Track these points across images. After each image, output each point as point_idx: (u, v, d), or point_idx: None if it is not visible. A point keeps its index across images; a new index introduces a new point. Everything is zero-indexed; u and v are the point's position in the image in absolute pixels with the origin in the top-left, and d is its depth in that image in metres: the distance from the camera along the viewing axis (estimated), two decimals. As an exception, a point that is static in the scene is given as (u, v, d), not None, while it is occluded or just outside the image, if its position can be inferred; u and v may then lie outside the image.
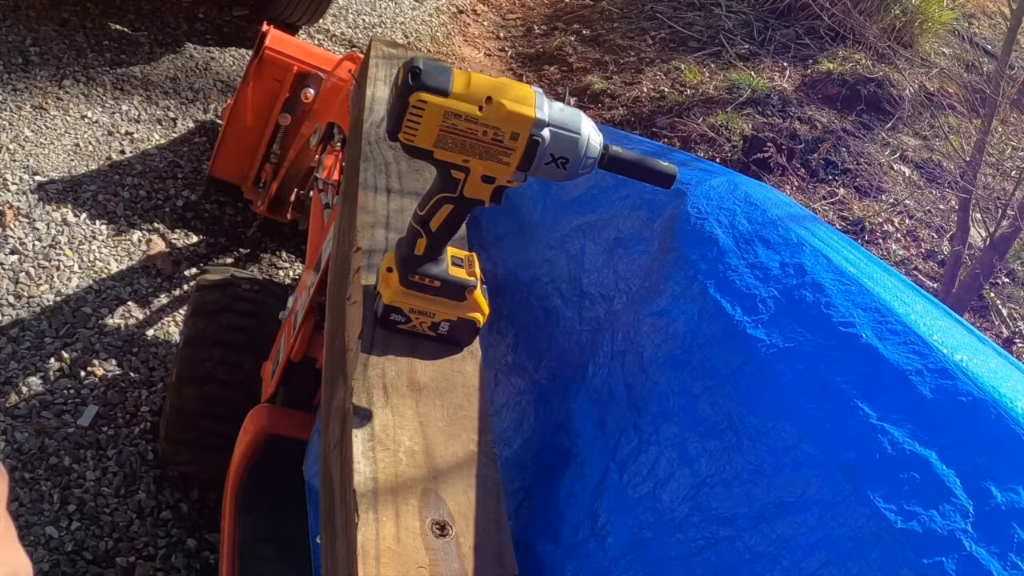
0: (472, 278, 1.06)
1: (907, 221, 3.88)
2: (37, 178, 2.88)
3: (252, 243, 3.03)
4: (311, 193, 2.62)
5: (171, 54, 3.56)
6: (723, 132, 4.07)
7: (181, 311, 2.70)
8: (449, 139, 0.93)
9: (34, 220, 2.76)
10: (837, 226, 3.69)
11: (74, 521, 2.15)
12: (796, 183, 3.86)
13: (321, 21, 3.98)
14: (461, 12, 4.81)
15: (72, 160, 2.99)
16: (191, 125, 3.34)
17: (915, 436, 0.88)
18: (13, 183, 2.83)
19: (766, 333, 1.02)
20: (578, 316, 1.25)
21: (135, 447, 2.34)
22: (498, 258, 1.44)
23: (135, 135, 3.18)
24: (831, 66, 4.67)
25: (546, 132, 0.93)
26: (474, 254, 1.10)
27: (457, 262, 1.06)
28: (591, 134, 0.95)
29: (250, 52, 3.25)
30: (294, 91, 2.74)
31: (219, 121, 3.34)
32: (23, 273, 2.61)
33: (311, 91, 2.67)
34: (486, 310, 1.06)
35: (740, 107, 4.26)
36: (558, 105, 0.94)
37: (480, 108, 0.91)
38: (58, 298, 2.59)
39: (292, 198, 2.86)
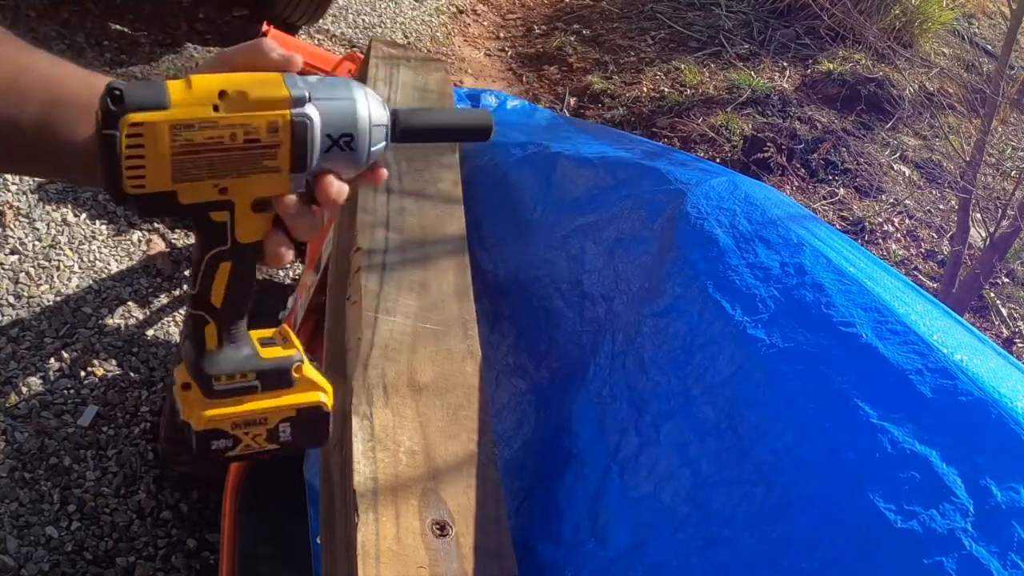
0: (293, 351, 0.82)
1: (907, 221, 3.88)
2: (37, 178, 2.88)
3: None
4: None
5: (171, 54, 3.56)
6: (723, 132, 4.07)
7: (181, 311, 2.70)
8: (190, 165, 0.70)
9: (34, 220, 2.76)
10: (837, 226, 3.69)
11: (74, 521, 2.15)
12: (796, 183, 3.86)
13: (321, 21, 3.98)
14: (461, 12, 4.81)
15: (72, 160, 2.99)
16: (191, 125, 3.33)
17: (915, 435, 0.88)
18: (13, 183, 2.83)
19: (766, 333, 1.02)
20: (579, 317, 1.25)
21: (135, 447, 2.34)
22: (499, 259, 1.44)
23: (135, 135, 3.18)
24: (831, 66, 4.67)
25: (311, 109, 0.72)
26: (285, 325, 0.86)
27: (266, 341, 0.82)
28: (369, 99, 0.76)
29: (250, 52, 3.24)
30: (294, 91, 2.74)
31: (219, 121, 3.33)
32: (23, 273, 2.61)
33: (311, 91, 2.67)
34: (327, 387, 0.83)
35: (740, 107, 4.26)
36: (314, 77, 0.75)
37: (215, 108, 0.70)
38: (58, 298, 2.59)
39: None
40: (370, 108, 0.75)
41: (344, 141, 0.74)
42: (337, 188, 0.74)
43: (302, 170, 0.73)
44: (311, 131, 0.72)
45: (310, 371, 0.82)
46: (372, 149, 0.76)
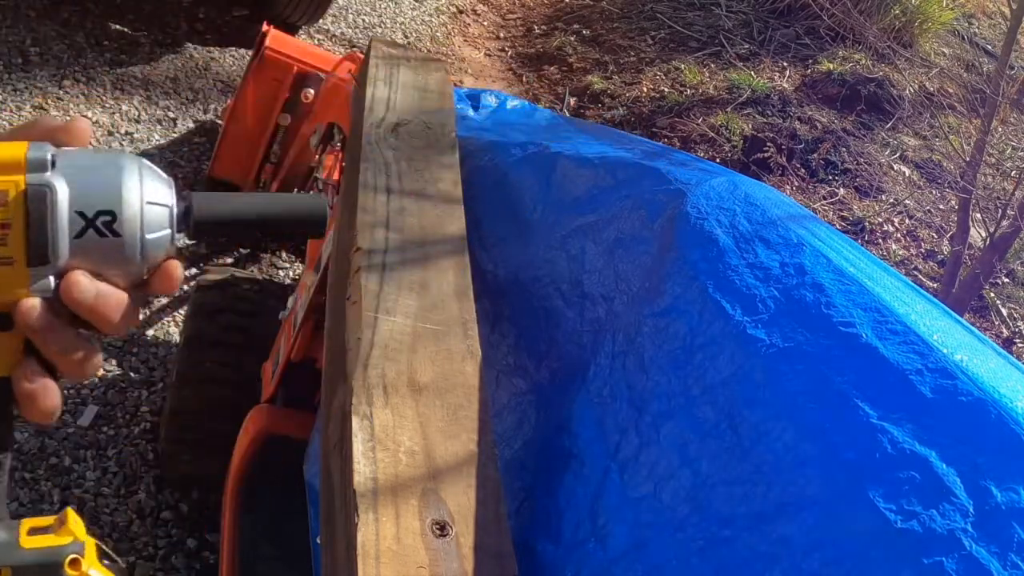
0: (68, 540, 0.61)
1: (907, 221, 3.88)
2: None
3: (252, 243, 3.03)
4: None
5: (171, 54, 3.56)
6: (723, 132, 4.07)
7: (181, 311, 2.70)
8: None
9: (34, 220, 2.75)
10: (837, 226, 3.69)
11: (74, 521, 2.15)
12: (796, 183, 3.86)
13: (321, 21, 3.98)
14: (461, 12, 4.81)
15: (72, 160, 2.99)
16: (191, 125, 3.34)
17: (915, 436, 0.88)
18: (13, 183, 2.83)
19: (766, 333, 1.02)
20: (579, 317, 1.25)
21: (135, 447, 2.34)
22: (499, 259, 1.44)
23: (135, 135, 3.18)
24: (831, 66, 4.67)
25: (55, 177, 0.53)
26: (69, 508, 0.67)
27: (37, 530, 0.62)
28: (145, 173, 0.56)
29: (250, 52, 3.25)
30: (294, 91, 2.74)
31: (219, 121, 3.34)
32: (23, 273, 2.61)
33: (311, 91, 2.67)
34: None
35: (740, 107, 4.26)
36: (81, 149, 0.57)
37: None
38: (58, 298, 2.59)
39: (292, 198, 2.85)
40: (144, 183, 0.56)
41: (103, 222, 0.54)
42: (86, 288, 0.53)
43: (43, 261, 0.53)
44: (53, 204, 0.53)
45: (94, 565, 0.62)
46: (148, 237, 0.56)
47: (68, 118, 0.57)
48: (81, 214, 0.54)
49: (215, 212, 0.60)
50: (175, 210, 0.58)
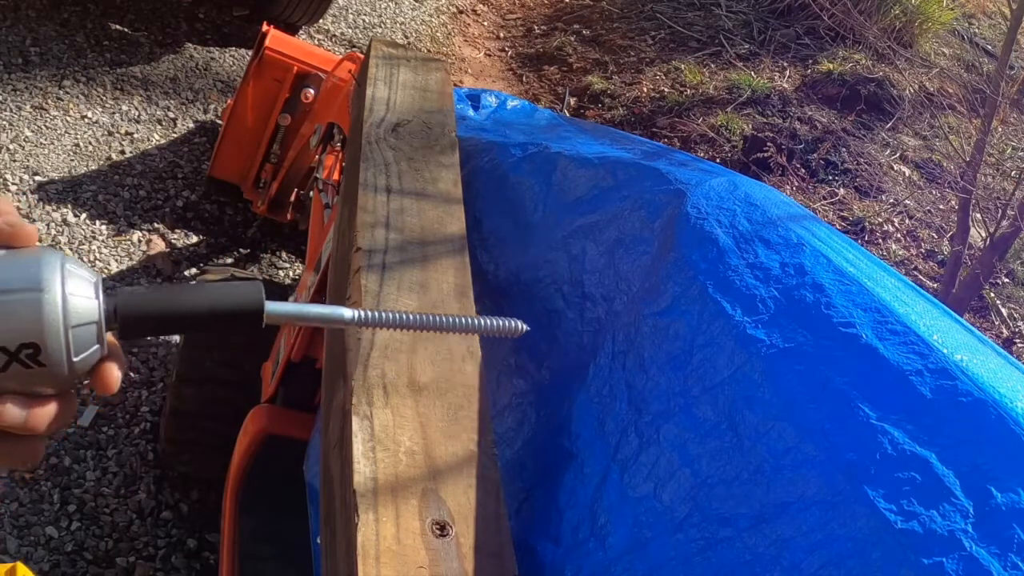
0: None
1: (907, 221, 3.88)
2: (37, 178, 2.88)
3: (252, 243, 3.03)
4: (311, 193, 2.62)
5: (171, 54, 3.56)
6: (723, 132, 4.07)
7: (181, 311, 2.69)
8: None
9: (34, 220, 2.76)
10: (837, 226, 3.69)
11: (74, 521, 2.15)
12: (796, 183, 3.85)
13: (321, 21, 3.98)
14: (461, 12, 4.81)
15: (72, 160, 2.99)
16: (191, 125, 3.34)
17: (915, 436, 0.88)
18: (13, 183, 2.83)
19: (766, 333, 1.02)
20: (579, 317, 1.25)
21: (135, 447, 2.34)
22: (500, 259, 1.44)
23: (135, 135, 3.18)
24: (831, 66, 4.67)
25: None
26: (19, 563, 0.67)
27: None
28: (67, 285, 0.53)
29: (250, 52, 3.25)
30: (294, 91, 2.74)
31: (219, 121, 3.34)
32: (23, 273, 2.61)
33: (311, 91, 2.67)
34: None
35: (740, 107, 4.26)
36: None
37: None
38: (58, 298, 2.59)
39: (292, 198, 2.86)
40: (66, 304, 0.52)
41: (27, 355, 0.51)
42: (16, 416, 0.53)
43: None
44: None
45: None
46: (75, 360, 0.53)
47: (14, 224, 0.53)
48: (3, 350, 0.51)
49: (142, 311, 0.56)
50: (103, 322, 0.54)
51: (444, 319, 0.62)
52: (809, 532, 0.87)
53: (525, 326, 0.62)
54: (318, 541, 1.22)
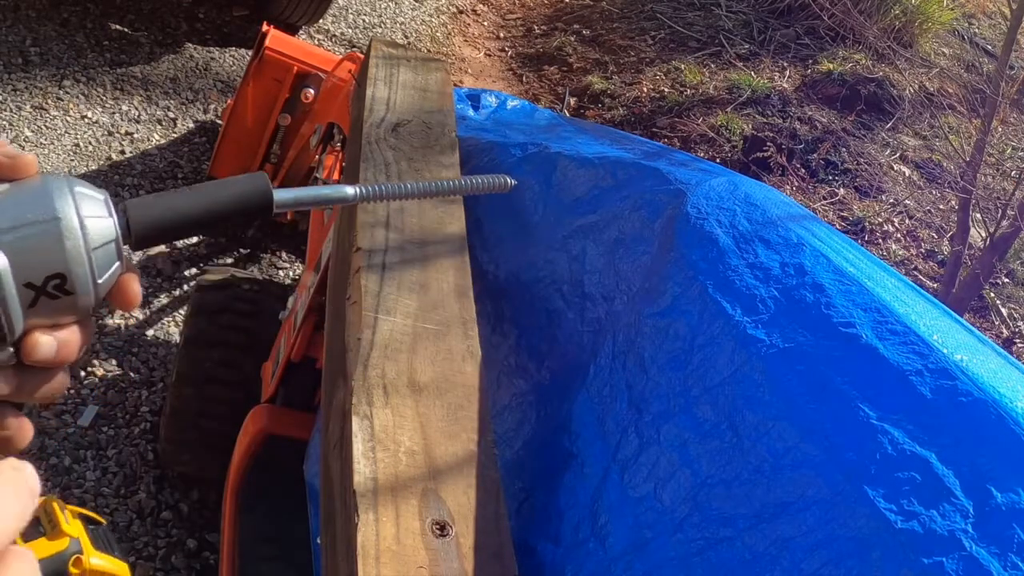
0: (65, 542, 0.61)
1: (907, 221, 3.88)
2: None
3: (252, 243, 3.03)
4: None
5: (171, 54, 3.56)
6: (723, 132, 4.07)
7: (181, 311, 2.70)
8: None
9: (34, 220, 2.75)
10: (837, 226, 3.68)
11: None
12: (796, 183, 3.85)
13: (321, 21, 3.98)
14: (461, 12, 4.81)
15: (72, 160, 2.99)
16: (191, 125, 3.34)
17: (915, 436, 0.88)
18: (13, 183, 2.83)
19: (766, 333, 1.02)
20: (579, 317, 1.25)
21: (135, 447, 2.34)
22: (500, 259, 1.44)
23: (135, 135, 3.18)
24: (831, 66, 4.67)
25: None
26: (51, 498, 0.65)
27: (28, 533, 0.56)
28: (80, 208, 0.53)
29: (250, 52, 3.25)
30: (294, 91, 2.74)
31: (219, 121, 3.34)
32: (23, 273, 2.61)
33: (311, 91, 2.67)
34: (123, 571, 0.60)
35: (740, 107, 4.26)
36: (2, 188, 0.53)
37: None
38: (58, 298, 2.59)
39: (292, 198, 2.85)
40: (84, 227, 0.52)
41: (54, 286, 0.51)
42: (47, 346, 0.53)
43: (1, 342, 0.53)
44: None
45: (94, 555, 0.58)
46: (100, 281, 0.53)
47: (12, 155, 0.52)
48: (30, 285, 0.51)
49: (154, 219, 0.56)
50: (120, 239, 0.54)
51: (439, 184, 0.65)
52: (809, 532, 0.87)
53: (513, 181, 0.67)
54: (318, 541, 1.22)
